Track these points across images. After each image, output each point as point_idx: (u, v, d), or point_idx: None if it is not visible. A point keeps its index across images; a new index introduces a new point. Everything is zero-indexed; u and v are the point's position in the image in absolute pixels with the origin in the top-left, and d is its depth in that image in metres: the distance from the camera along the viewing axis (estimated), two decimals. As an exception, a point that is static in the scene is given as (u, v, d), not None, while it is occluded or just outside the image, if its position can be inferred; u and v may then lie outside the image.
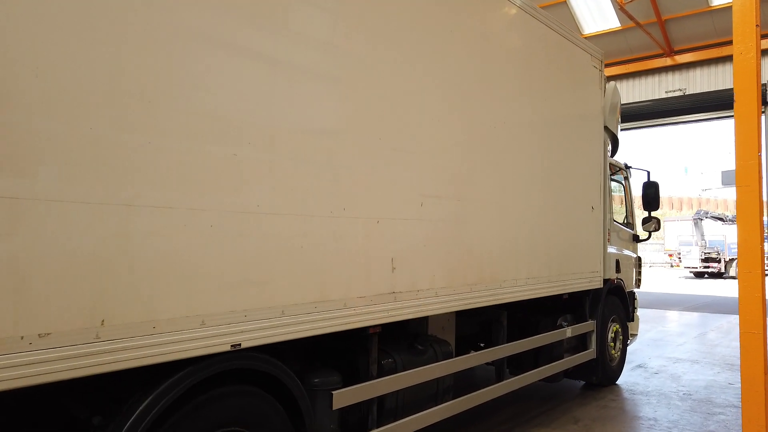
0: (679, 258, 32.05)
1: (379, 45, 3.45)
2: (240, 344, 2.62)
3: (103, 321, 2.13)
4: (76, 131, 2.07)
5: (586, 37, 12.03)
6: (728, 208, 52.26)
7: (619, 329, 6.89)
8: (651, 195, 7.44)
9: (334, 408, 3.17)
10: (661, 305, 16.18)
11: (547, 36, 5.29)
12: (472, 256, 4.24)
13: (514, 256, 4.75)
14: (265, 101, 2.76)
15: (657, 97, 15.19)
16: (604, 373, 6.52)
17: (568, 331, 5.75)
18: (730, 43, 14.20)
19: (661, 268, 37.84)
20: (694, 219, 31.56)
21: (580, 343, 6.29)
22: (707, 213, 32.34)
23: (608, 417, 5.60)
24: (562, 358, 5.82)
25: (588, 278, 6.03)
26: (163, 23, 2.35)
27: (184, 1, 2.44)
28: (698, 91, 14.62)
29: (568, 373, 6.14)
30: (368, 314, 3.32)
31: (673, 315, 14.19)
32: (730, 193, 56.38)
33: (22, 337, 1.91)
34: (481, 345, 5.16)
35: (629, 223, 7.61)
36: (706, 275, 29.84)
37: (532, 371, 5.17)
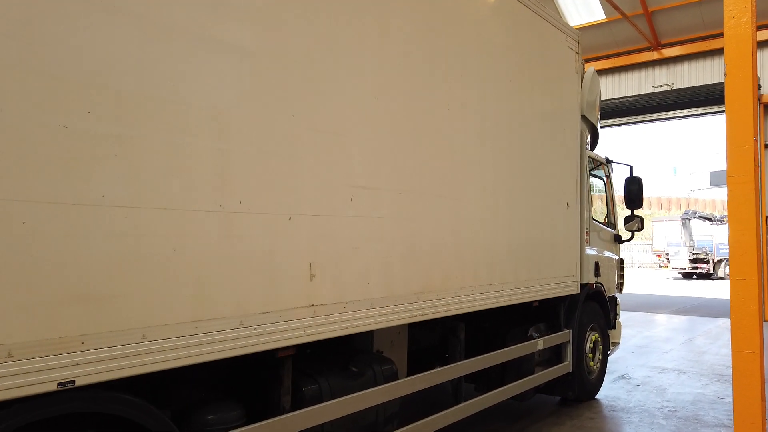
0: (668, 258, 31.64)
1: None
2: (74, 381, 1.96)
3: None
4: None
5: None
6: (717, 209, 52.12)
7: (599, 338, 6.28)
8: (634, 192, 6.83)
9: (227, 454, 2.52)
10: (648, 308, 15.65)
11: (515, 10, 4.66)
12: (418, 260, 3.60)
13: (472, 260, 4.12)
14: (112, 57, 2.10)
15: (644, 92, 14.63)
16: (581, 387, 5.91)
17: (540, 343, 5.12)
18: (718, 36, 13.70)
19: (649, 269, 37.47)
20: (682, 219, 31.15)
21: (554, 355, 5.67)
22: (696, 213, 31.95)
23: (584, 439, 4.99)
24: (533, 372, 5.19)
25: (563, 283, 5.41)
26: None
27: None
28: (686, 85, 14.08)
29: (541, 388, 5.52)
30: (275, 334, 2.67)
31: (660, 318, 13.65)
32: (719, 194, 56.21)
33: None
34: (447, 356, 4.53)
35: (610, 223, 7.01)
36: (694, 276, 29.44)
37: (496, 391, 4.53)
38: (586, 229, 6.05)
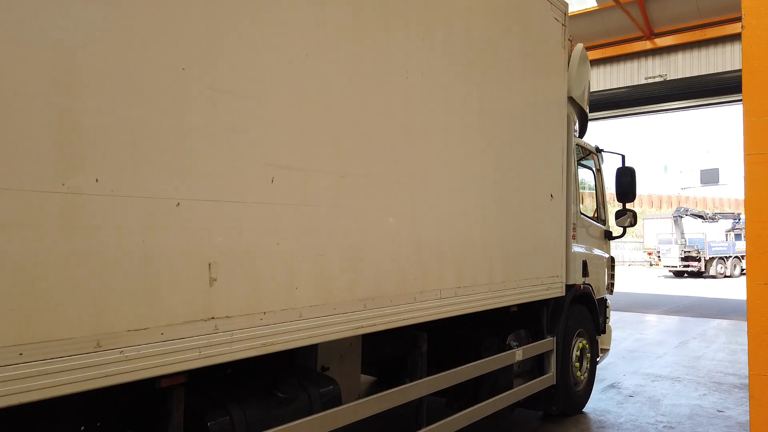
0: (659, 256, 31.22)
1: None
2: None
3: None
4: None
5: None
6: (707, 207, 51.87)
7: (587, 345, 5.66)
8: (626, 184, 6.21)
9: None
10: (640, 308, 15.10)
11: (490, -31, 4.01)
12: (366, 259, 2.94)
13: (436, 260, 3.47)
14: None
15: (636, 84, 14.04)
16: (566, 401, 5.28)
17: (519, 353, 4.49)
18: (713, 24, 13.08)
19: (640, 267, 37.06)
20: (674, 216, 30.71)
21: (536, 365, 5.05)
22: (687, 210, 31.49)
23: (568, 464, 4.37)
24: (512, 386, 4.56)
25: (546, 285, 4.78)
26: None
27: None
28: (680, 76, 13.50)
29: (521, 402, 4.88)
30: (153, 358, 2.00)
31: (651, 319, 13.09)
32: (709, 192, 56.01)
33: None
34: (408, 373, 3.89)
35: (600, 218, 6.38)
36: (685, 274, 28.99)
37: (466, 411, 3.88)
38: (573, 224, 5.42)
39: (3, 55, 1.66)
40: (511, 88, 4.27)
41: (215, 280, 2.21)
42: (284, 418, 2.65)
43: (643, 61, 14.19)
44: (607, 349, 6.53)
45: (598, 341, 6.03)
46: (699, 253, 28.29)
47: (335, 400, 2.97)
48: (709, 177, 43.30)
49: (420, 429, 3.53)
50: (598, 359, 6.07)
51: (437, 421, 3.63)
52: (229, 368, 2.80)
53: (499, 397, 4.25)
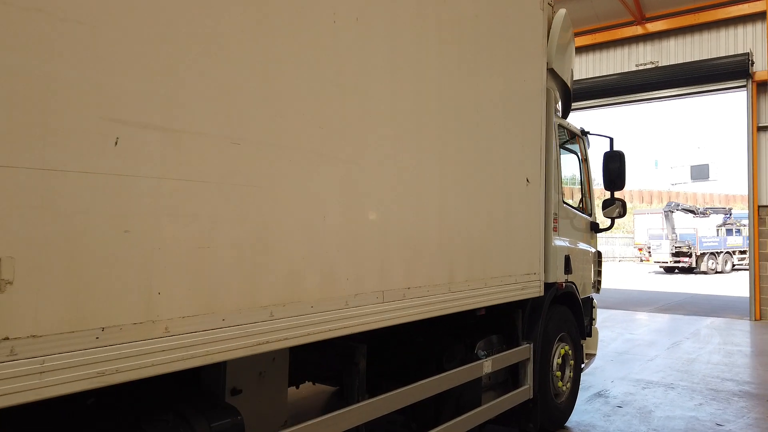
0: (649, 252, 30.78)
1: None
2: None
3: None
4: None
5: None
6: (697, 203, 51.65)
7: (570, 351, 5.00)
8: (615, 170, 5.55)
9: None
10: (630, 305, 14.51)
11: None
12: (270, 252, 2.25)
13: (377, 254, 2.78)
14: None
15: (627, 70, 13.40)
16: (546, 415, 4.62)
17: (487, 365, 3.81)
18: (707, 8, 12.43)
19: (631, 263, 36.62)
20: (665, 211, 30.23)
21: (510, 376, 4.38)
22: (678, 205, 31.02)
23: (545, 495, 3.70)
24: (480, 403, 3.89)
25: (521, 284, 4.11)
26: None
27: None
28: (672, 62, 12.87)
29: (494, 419, 4.21)
30: None
31: (642, 317, 12.48)
32: (700, 188, 55.76)
33: None
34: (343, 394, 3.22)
35: (586, 208, 5.72)
36: (676, 270, 28.53)
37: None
38: (555, 214, 4.75)
39: None
40: (478, 48, 3.57)
41: (9, 283, 1.51)
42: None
43: (634, 47, 13.58)
44: (594, 354, 5.88)
45: (582, 346, 5.38)
46: (690, 248, 27.84)
47: (239, 429, 2.29)
48: (699, 173, 43.09)
49: (358, 464, 2.84)
50: (582, 366, 5.42)
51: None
52: (91, 397, 2.12)
53: (462, 417, 3.56)
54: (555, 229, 4.75)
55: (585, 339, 5.44)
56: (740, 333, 10.29)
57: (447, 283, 3.29)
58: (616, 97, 13.38)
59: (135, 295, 1.78)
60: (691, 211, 30.17)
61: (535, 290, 4.30)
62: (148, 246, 1.82)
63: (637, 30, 13.31)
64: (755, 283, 11.96)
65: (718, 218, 30.85)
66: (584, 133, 5.74)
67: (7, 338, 1.51)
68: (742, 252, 29.59)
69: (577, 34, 13.94)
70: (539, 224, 4.39)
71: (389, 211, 2.85)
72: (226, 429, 2.26)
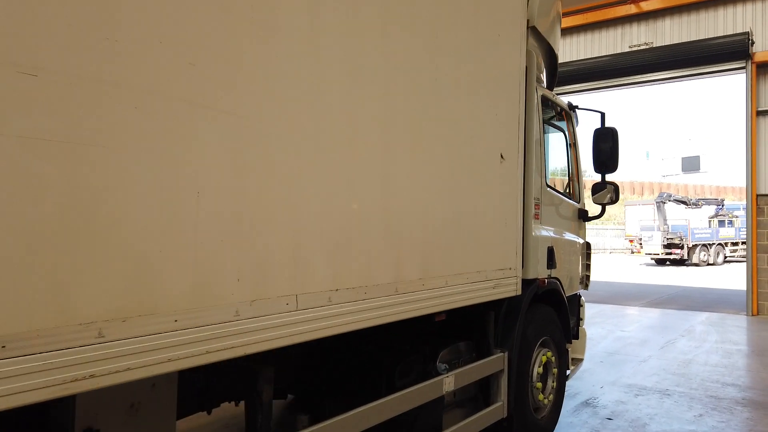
0: (641, 244, 30.29)
1: None
2: None
3: None
4: None
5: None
6: (689, 194, 51.39)
7: (553, 358, 4.31)
8: (606, 150, 4.85)
9: None
10: (620, 299, 13.90)
11: None
12: (101, 245, 1.52)
13: (288, 247, 2.06)
14: None
15: (620, 51, 12.70)
16: (524, 434, 3.94)
17: (448, 382, 3.11)
18: (704, -16, 11.66)
19: (621, 255, 36.15)
20: (656, 202, 29.70)
21: (480, 391, 3.69)
22: (670, 196, 30.49)
23: None
24: (440, 428, 3.19)
25: (493, 281, 3.41)
26: None
27: None
28: (667, 43, 12.17)
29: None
30: None
31: (633, 312, 11.86)
32: (691, 179, 55.42)
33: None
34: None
35: (573, 192, 5.03)
36: (668, 262, 28.02)
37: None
38: (536, 199, 4.06)
39: None
40: (446, 13, 2.84)
41: None
42: None
43: (627, 27, 12.87)
44: (581, 359, 5.21)
45: (568, 350, 4.70)
46: (682, 240, 27.33)
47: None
48: (690, 164, 42.75)
49: None
50: (568, 373, 4.74)
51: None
52: None
53: (415, 448, 2.87)
54: (537, 217, 4.06)
55: (571, 342, 4.76)
56: (737, 329, 9.68)
57: (394, 282, 2.58)
58: (607, 80, 12.69)
59: None
60: (683, 202, 29.66)
61: (511, 288, 3.61)
62: None
63: (631, 9, 12.60)
64: (752, 277, 11.36)
65: (711, 209, 30.38)
66: (572, 107, 5.04)
67: None
68: (734, 243, 29.15)
69: (566, 14, 13.19)
70: (516, 210, 3.69)
71: (304, 188, 2.13)
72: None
